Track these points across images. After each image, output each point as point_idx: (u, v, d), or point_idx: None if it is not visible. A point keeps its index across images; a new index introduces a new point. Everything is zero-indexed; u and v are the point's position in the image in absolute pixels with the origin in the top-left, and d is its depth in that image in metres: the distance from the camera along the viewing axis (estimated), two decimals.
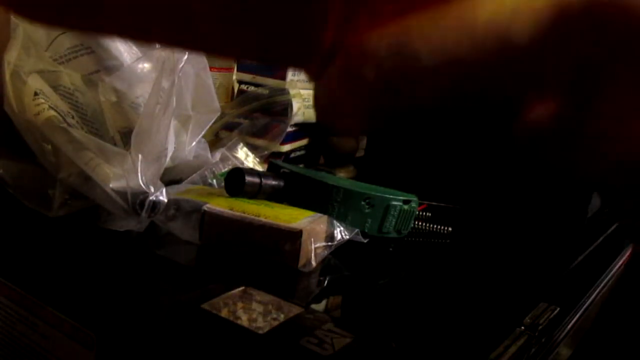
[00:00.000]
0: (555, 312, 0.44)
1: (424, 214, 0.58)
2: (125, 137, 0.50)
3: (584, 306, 0.49)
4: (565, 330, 0.44)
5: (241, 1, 0.14)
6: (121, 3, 0.15)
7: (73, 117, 0.49)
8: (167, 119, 0.48)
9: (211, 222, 0.46)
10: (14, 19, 0.49)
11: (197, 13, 0.15)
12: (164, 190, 0.48)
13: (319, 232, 0.46)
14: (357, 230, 0.49)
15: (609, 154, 0.12)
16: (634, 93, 0.12)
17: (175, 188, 0.52)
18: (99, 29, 0.17)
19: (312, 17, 0.15)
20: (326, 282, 0.45)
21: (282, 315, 0.34)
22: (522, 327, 0.41)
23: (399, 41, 0.13)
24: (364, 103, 0.14)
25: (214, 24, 0.15)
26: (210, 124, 0.57)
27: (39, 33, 0.48)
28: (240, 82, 0.73)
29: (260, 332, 0.32)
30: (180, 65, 0.48)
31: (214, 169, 0.58)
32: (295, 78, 0.71)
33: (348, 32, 0.15)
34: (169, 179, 0.55)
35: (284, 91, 0.69)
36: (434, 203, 0.62)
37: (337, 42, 0.15)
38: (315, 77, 0.16)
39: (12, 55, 0.48)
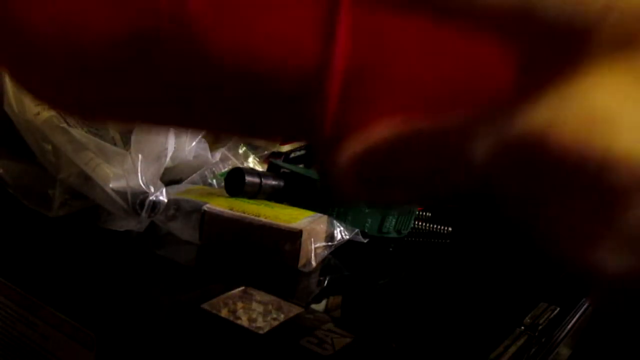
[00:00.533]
0: (555, 312, 0.44)
1: (424, 214, 0.58)
2: (125, 137, 0.50)
3: (584, 306, 0.49)
4: (565, 330, 0.44)
5: (246, 103, 0.16)
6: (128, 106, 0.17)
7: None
8: None
9: (211, 222, 0.46)
10: None
11: (211, 119, 0.18)
12: (164, 190, 0.48)
13: (319, 232, 0.46)
14: (357, 230, 0.49)
15: (552, 245, 0.14)
16: (563, 212, 0.13)
17: (175, 188, 0.52)
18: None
19: (308, 113, 0.16)
20: (326, 282, 0.45)
21: (282, 315, 0.34)
22: (522, 327, 0.41)
23: (389, 147, 0.15)
24: (365, 188, 0.16)
25: (223, 122, 0.18)
26: None
27: None
28: None
29: (260, 332, 0.32)
30: None
31: (214, 169, 0.58)
32: None
33: (349, 121, 0.16)
34: (169, 179, 0.55)
35: None
36: None
37: (338, 128, 0.16)
38: (318, 157, 0.17)
39: None
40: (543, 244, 0.15)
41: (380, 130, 0.16)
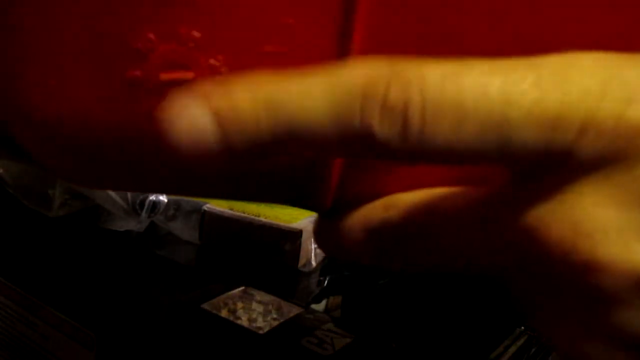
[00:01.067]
0: None
1: None
2: None
3: None
4: None
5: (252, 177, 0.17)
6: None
7: None
8: None
9: (211, 222, 0.46)
10: None
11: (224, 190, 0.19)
12: None
13: None
14: None
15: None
16: (554, 306, 0.14)
17: None
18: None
19: (312, 185, 0.17)
20: (326, 282, 0.45)
21: (282, 315, 0.34)
22: (522, 327, 0.41)
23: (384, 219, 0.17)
24: (375, 254, 0.17)
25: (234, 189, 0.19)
26: None
27: None
28: None
29: (260, 332, 0.32)
30: None
31: None
32: None
33: (349, 191, 0.17)
34: None
35: None
36: None
37: (341, 196, 0.17)
38: (319, 220, 0.18)
39: None
40: (538, 328, 0.16)
41: (396, 208, 0.16)
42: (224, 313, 0.33)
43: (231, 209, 0.47)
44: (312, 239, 0.45)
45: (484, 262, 0.15)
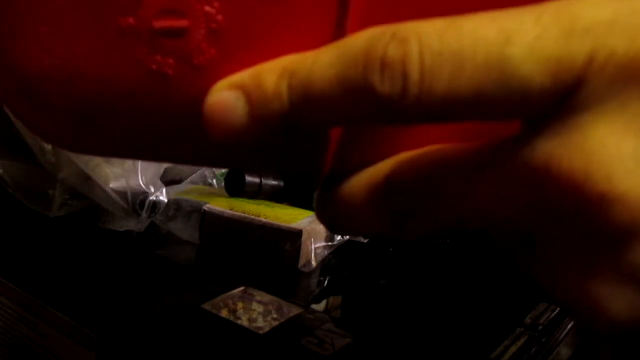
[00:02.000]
0: (555, 312, 0.44)
1: None
2: None
3: None
4: (565, 330, 0.44)
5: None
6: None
7: None
8: None
9: (211, 222, 0.46)
10: None
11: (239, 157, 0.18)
12: (164, 190, 0.48)
13: (319, 232, 0.46)
14: None
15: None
16: (565, 246, 0.14)
17: (175, 188, 0.52)
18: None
19: (313, 152, 0.17)
20: (326, 282, 0.45)
21: (282, 315, 0.34)
22: (522, 327, 0.41)
23: (386, 182, 0.16)
24: (371, 221, 0.16)
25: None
26: None
27: None
28: None
29: (260, 332, 0.32)
30: None
31: (214, 169, 0.58)
32: None
33: (348, 158, 0.17)
34: (169, 179, 0.55)
35: None
36: None
37: (339, 165, 0.17)
38: (320, 193, 0.18)
39: None
40: (542, 281, 0.15)
41: (400, 165, 0.16)
42: (224, 313, 0.33)
43: (231, 209, 0.47)
44: (312, 239, 0.45)
45: (494, 214, 0.14)
